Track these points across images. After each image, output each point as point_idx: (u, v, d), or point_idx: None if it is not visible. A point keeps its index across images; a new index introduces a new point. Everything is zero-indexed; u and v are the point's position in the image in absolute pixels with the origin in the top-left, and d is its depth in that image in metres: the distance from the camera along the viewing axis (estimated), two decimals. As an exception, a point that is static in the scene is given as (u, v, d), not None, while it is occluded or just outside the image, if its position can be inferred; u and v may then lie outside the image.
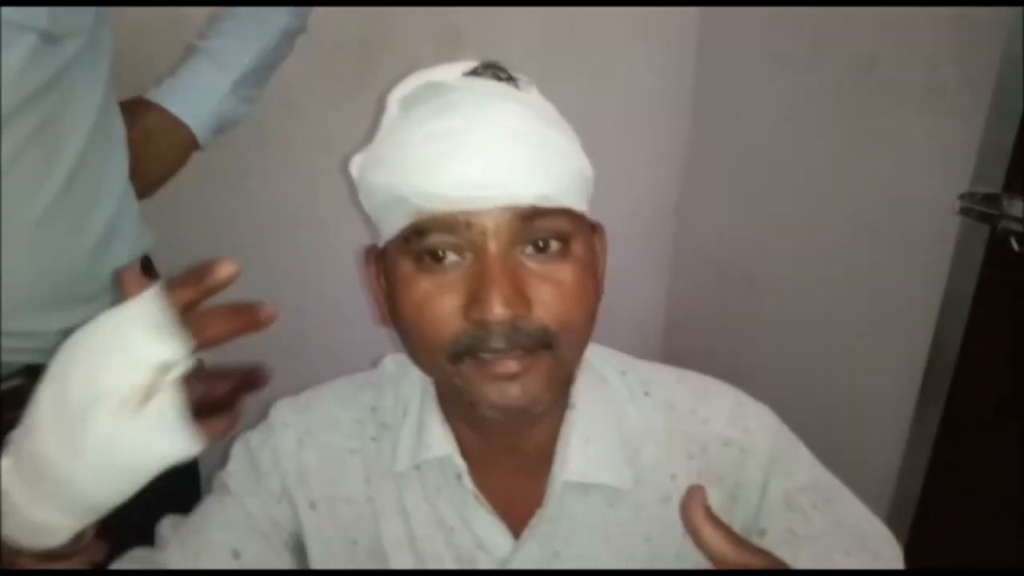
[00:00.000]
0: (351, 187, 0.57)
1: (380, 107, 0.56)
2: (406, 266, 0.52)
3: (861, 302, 1.26)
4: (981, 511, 1.12)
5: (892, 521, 1.23)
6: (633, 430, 0.61)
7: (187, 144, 0.89)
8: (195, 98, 0.88)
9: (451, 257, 0.50)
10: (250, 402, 0.75)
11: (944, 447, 1.15)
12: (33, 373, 0.73)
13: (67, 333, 0.73)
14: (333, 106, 1.27)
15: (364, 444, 0.64)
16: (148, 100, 0.87)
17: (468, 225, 0.49)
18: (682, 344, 1.69)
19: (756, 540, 0.60)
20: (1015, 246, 0.99)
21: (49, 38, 0.65)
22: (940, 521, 1.18)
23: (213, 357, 1.04)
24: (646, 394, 0.63)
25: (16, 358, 0.72)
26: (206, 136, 0.90)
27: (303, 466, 0.63)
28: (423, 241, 0.50)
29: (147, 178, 0.86)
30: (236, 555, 0.61)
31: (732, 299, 1.55)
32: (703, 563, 0.60)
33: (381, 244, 0.56)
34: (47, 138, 0.68)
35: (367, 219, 0.56)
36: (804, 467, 0.62)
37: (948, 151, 1.07)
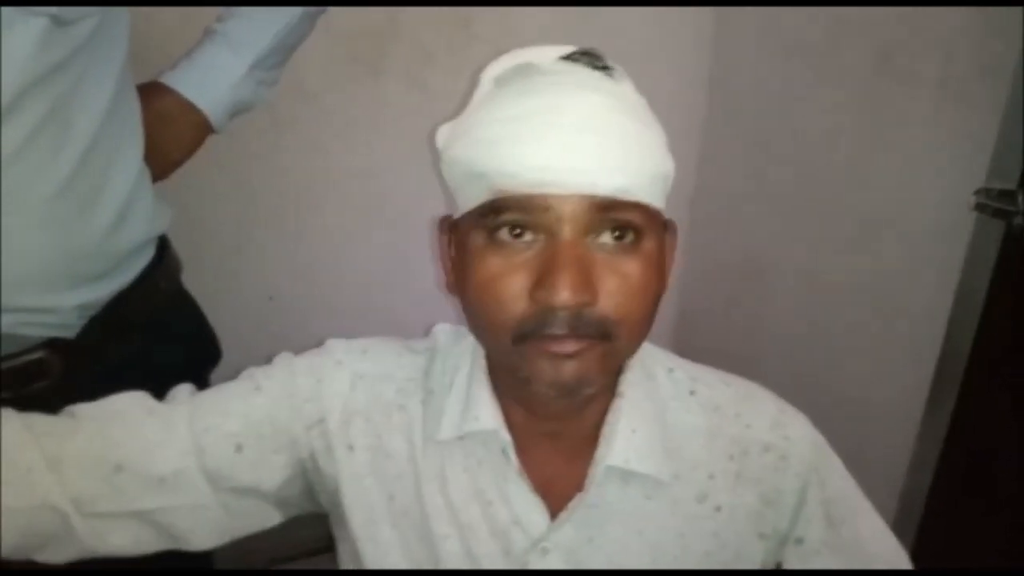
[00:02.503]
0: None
1: (473, 82, 0.57)
2: (479, 241, 0.53)
3: (873, 297, 1.26)
4: (991, 508, 1.11)
5: (901, 518, 1.22)
6: (675, 426, 0.62)
7: (201, 128, 0.89)
8: (209, 83, 0.88)
9: (525, 237, 0.51)
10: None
11: (955, 444, 1.14)
12: (55, 346, 0.74)
13: (83, 309, 0.75)
14: (347, 92, 1.28)
15: (413, 404, 0.64)
16: (163, 84, 0.87)
17: (545, 209, 0.50)
18: (693, 337, 1.69)
19: (792, 548, 0.63)
20: (1030, 243, 0.99)
21: (60, 20, 0.65)
22: (949, 518, 1.17)
23: (231, 344, 1.05)
24: (692, 393, 0.64)
25: (36, 332, 0.73)
26: (221, 120, 0.90)
27: (351, 408, 0.63)
28: (498, 218, 0.51)
29: (162, 161, 0.86)
30: (238, 449, 0.60)
31: (744, 292, 1.54)
32: (731, 564, 0.62)
33: (456, 215, 0.57)
34: (59, 119, 0.68)
35: (445, 189, 0.58)
36: (837, 478, 0.64)
37: (964, 145, 1.06)
